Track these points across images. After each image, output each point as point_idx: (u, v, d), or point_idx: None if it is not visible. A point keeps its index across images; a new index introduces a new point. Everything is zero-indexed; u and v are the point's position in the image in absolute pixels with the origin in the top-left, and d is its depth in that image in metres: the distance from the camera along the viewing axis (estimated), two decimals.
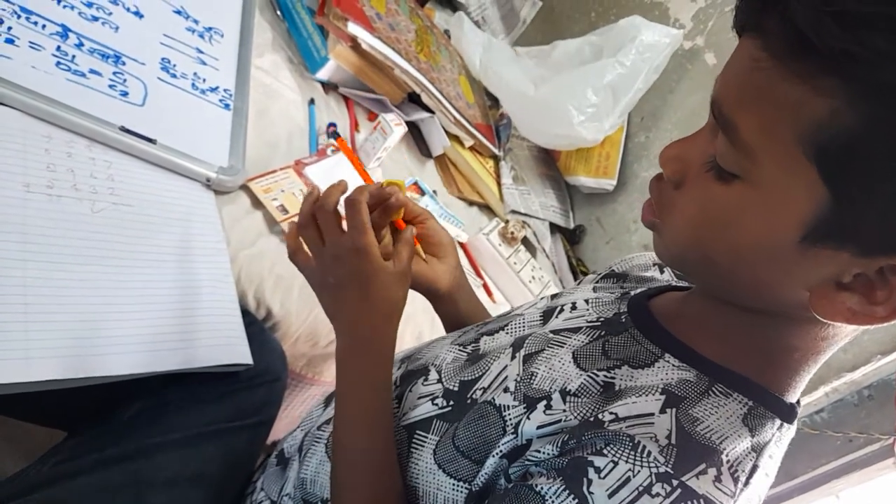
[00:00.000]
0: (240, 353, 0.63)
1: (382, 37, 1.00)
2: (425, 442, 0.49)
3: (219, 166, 0.72)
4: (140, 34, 0.73)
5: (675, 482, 0.35)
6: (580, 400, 0.43)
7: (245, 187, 0.77)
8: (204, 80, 0.78)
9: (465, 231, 1.17)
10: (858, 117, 0.28)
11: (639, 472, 0.36)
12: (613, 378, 0.44)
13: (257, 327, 0.71)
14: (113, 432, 0.57)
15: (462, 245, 1.19)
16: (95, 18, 0.68)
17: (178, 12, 0.80)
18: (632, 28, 1.27)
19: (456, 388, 0.52)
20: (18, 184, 0.54)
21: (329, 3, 0.94)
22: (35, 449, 0.59)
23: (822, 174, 0.31)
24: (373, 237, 0.50)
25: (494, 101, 1.44)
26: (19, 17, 0.61)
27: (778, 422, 0.42)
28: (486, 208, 1.34)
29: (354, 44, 0.96)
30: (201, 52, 0.80)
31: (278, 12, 1.02)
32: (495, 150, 1.36)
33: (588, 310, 0.54)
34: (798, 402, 0.44)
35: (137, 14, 0.74)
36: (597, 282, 0.62)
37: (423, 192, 1.10)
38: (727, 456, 0.38)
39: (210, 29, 0.83)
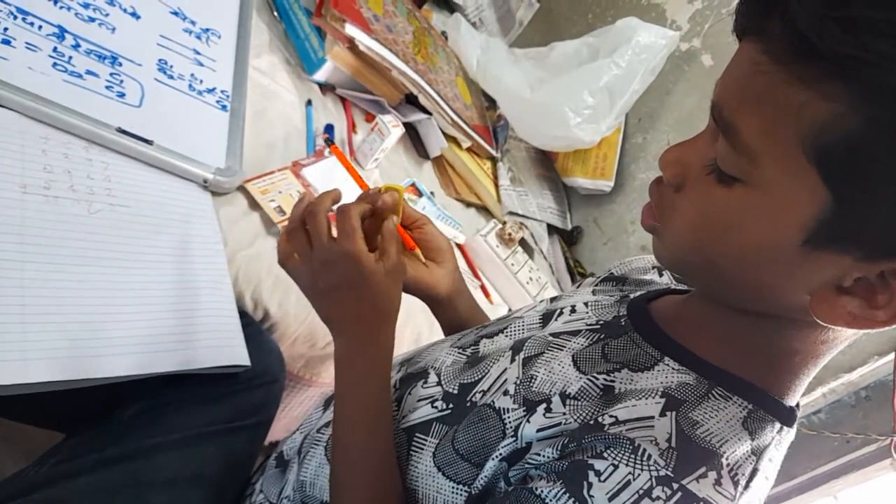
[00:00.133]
0: (237, 354, 0.62)
1: (380, 38, 1.00)
2: (425, 445, 0.49)
3: (216, 167, 0.72)
4: (137, 35, 0.73)
5: (675, 485, 0.35)
6: (580, 403, 0.43)
7: (242, 188, 0.77)
8: (201, 82, 0.77)
9: (463, 232, 1.17)
10: (861, 120, 0.28)
11: (639, 475, 0.36)
12: (613, 381, 0.44)
13: (255, 328, 0.71)
14: (113, 432, 0.57)
15: (459, 246, 1.19)
16: (92, 19, 0.68)
17: (175, 13, 0.80)
18: (628, 29, 1.27)
19: (455, 391, 0.51)
20: (15, 185, 0.54)
21: (326, 4, 0.94)
22: (34, 449, 0.58)
23: (824, 177, 0.31)
24: (362, 241, 0.50)
25: (492, 103, 1.44)
26: (15, 17, 0.60)
27: (778, 425, 0.42)
28: (484, 210, 1.34)
29: (352, 45, 0.96)
30: (198, 53, 0.80)
31: (275, 13, 1.02)
32: (493, 152, 1.36)
33: (587, 313, 0.54)
34: (798, 405, 0.44)
35: (134, 15, 0.74)
36: (596, 285, 0.62)
37: (420, 194, 1.10)
38: (727, 459, 0.38)
39: (207, 30, 0.83)
